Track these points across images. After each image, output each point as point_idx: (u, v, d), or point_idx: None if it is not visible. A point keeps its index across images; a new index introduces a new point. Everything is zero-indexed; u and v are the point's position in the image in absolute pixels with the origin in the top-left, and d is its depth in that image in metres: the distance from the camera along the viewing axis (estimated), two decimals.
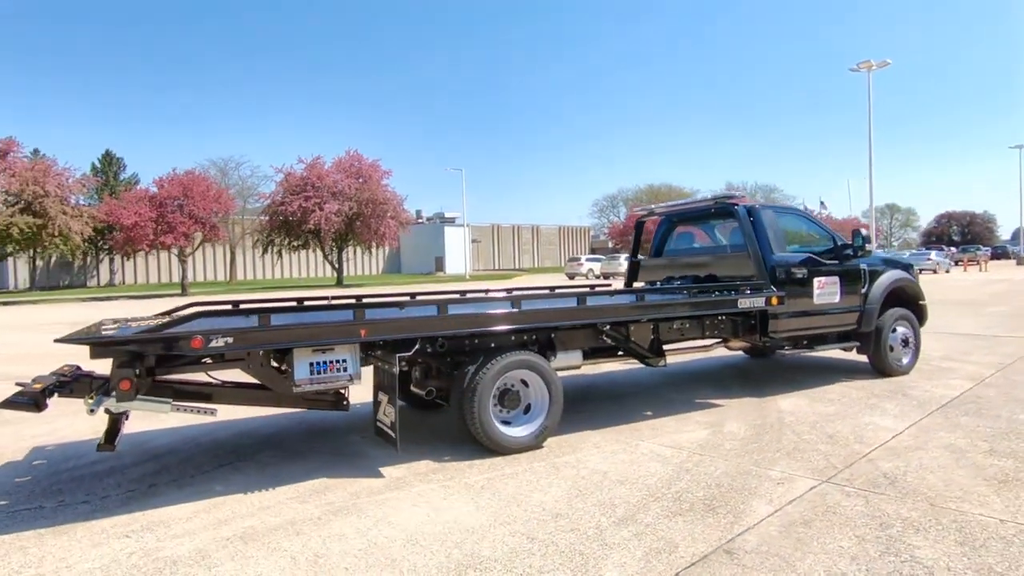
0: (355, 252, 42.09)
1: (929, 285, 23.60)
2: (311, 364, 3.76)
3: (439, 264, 62.76)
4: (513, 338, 4.74)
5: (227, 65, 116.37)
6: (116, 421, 3.83)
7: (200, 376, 4.12)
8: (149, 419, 3.92)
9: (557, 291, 5.85)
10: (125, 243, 31.70)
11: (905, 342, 6.80)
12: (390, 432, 3.97)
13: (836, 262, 6.34)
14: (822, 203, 61.01)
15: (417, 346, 4.10)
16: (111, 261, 45.52)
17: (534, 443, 4.37)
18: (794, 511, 3.20)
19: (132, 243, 31.37)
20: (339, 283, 37.16)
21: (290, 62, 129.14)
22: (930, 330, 10.34)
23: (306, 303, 5.40)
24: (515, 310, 4.34)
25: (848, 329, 6.48)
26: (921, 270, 37.40)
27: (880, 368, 6.68)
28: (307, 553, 2.88)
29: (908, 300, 7.02)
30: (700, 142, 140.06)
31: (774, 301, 5.56)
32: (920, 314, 7.10)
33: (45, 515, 3.46)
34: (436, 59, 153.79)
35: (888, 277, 6.72)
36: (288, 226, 34.46)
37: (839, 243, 6.50)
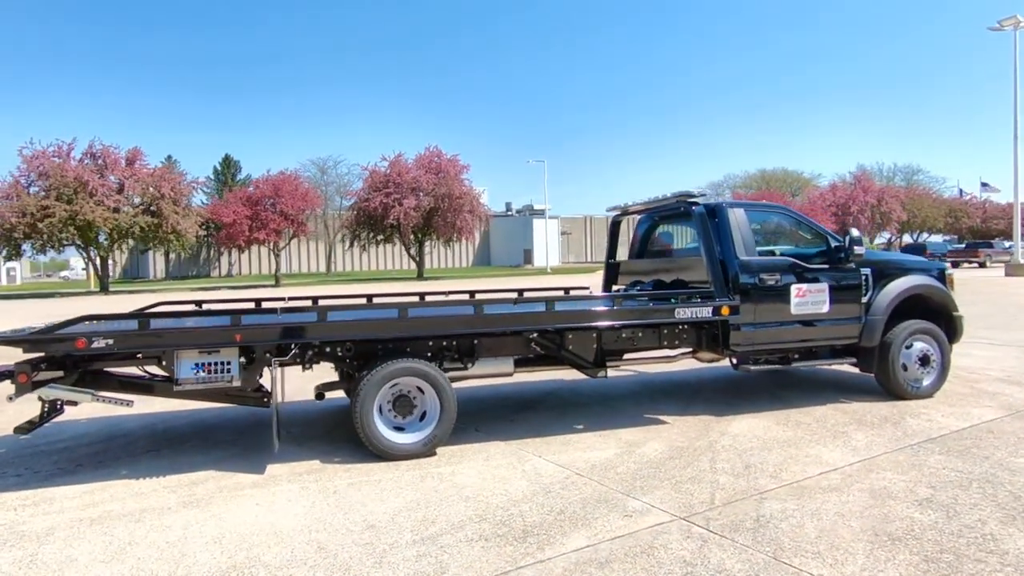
0: (437, 245, 43.65)
1: None
2: (195, 365, 4.04)
3: (527, 256, 63.23)
4: (431, 343, 4.74)
5: (328, 69, 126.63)
6: (49, 408, 4.36)
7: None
8: (129, 407, 4.43)
9: (452, 298, 5.75)
10: (227, 239, 35.67)
11: (924, 360, 5.82)
12: (276, 430, 4.18)
13: (826, 266, 5.61)
14: (984, 184, 53.21)
15: (295, 350, 4.25)
16: (229, 254, 51.08)
17: (423, 451, 4.36)
18: (607, 548, 2.94)
19: (231, 239, 35.24)
20: (420, 276, 38.79)
21: (383, 62, 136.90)
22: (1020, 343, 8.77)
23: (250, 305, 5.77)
24: (399, 317, 4.34)
25: (848, 343, 5.71)
26: None
27: (890, 390, 5.80)
28: (124, 540, 3.13)
29: (935, 311, 6.03)
30: (824, 122, 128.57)
31: (724, 311, 5.07)
32: (951, 329, 6.07)
33: None
34: (541, 45, 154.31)
35: (901, 283, 5.80)
36: (372, 221, 36.57)
37: (833, 245, 5.74)
